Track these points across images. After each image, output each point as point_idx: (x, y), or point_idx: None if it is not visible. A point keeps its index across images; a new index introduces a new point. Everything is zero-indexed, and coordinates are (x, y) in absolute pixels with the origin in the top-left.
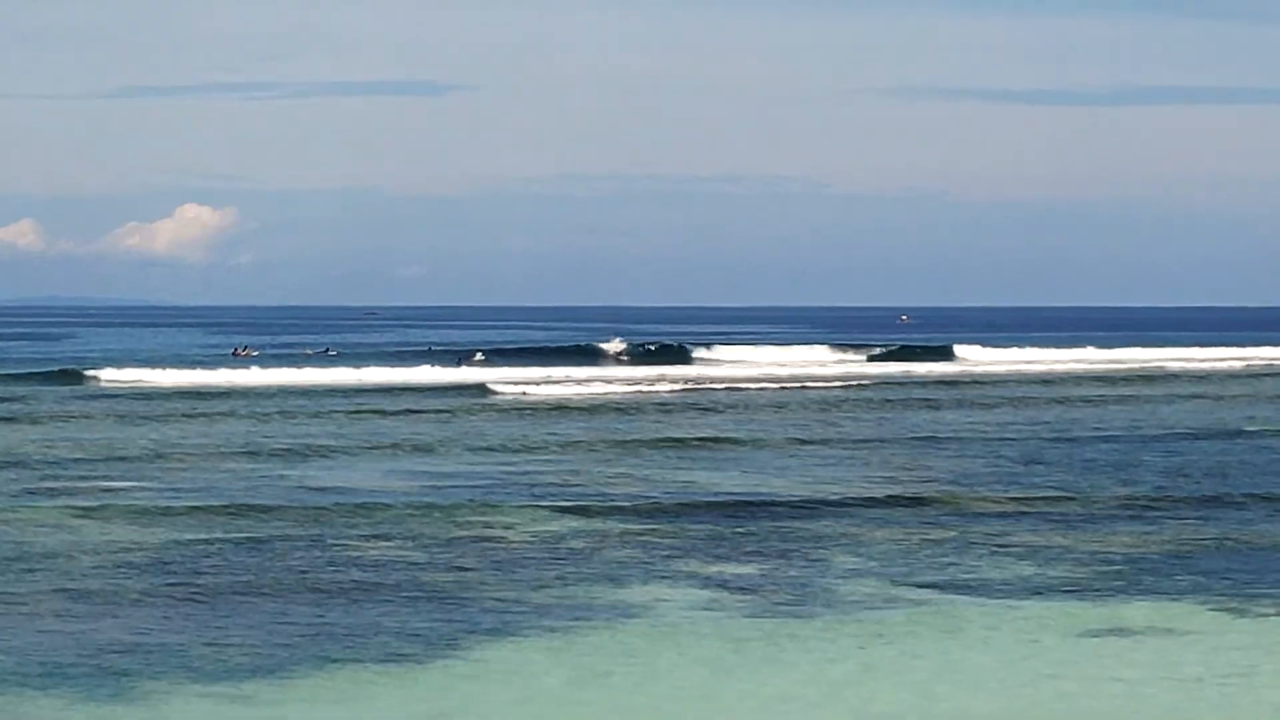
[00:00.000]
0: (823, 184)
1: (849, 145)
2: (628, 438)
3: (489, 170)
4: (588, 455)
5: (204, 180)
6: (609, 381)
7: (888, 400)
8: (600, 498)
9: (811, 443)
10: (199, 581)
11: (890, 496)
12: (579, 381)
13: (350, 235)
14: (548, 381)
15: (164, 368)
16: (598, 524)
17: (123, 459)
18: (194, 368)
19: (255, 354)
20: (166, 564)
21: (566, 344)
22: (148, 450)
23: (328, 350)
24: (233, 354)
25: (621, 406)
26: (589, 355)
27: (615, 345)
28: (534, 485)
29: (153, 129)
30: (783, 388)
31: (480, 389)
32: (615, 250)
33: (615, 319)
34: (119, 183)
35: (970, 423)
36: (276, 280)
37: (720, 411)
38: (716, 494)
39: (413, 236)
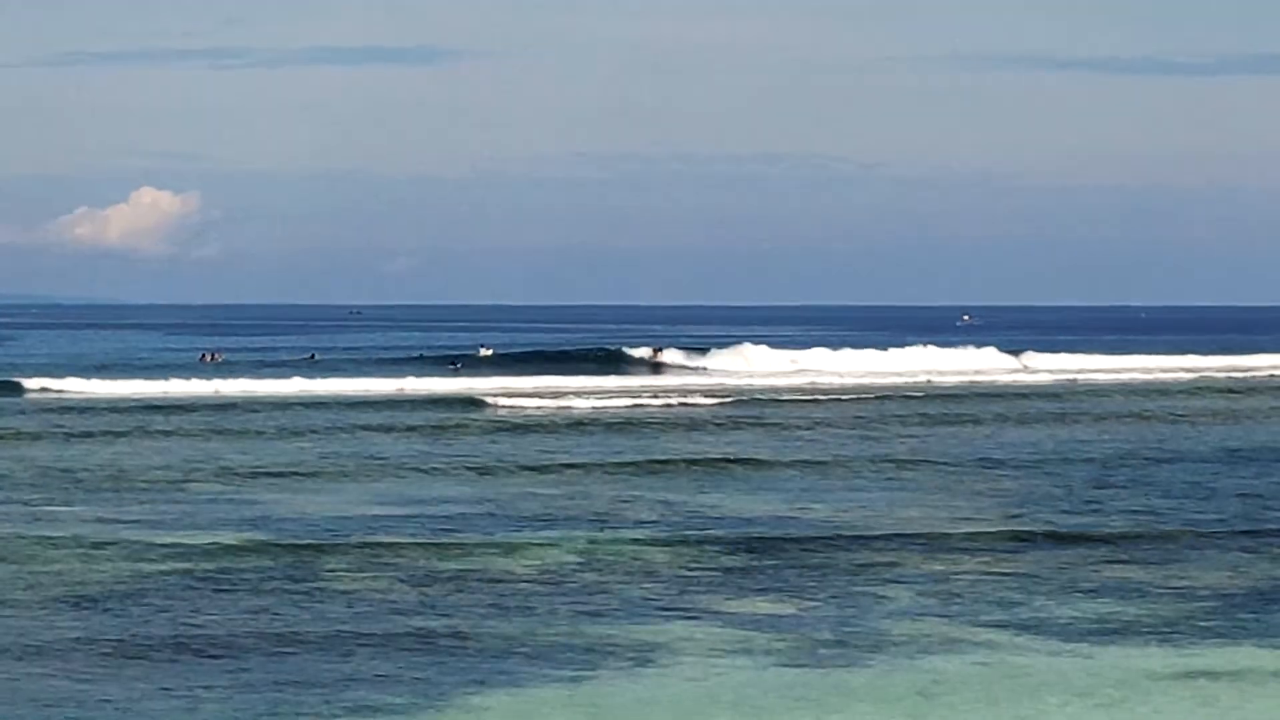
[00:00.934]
0: (874, 165)
1: (905, 121)
2: (641, 457)
3: (490, 150)
4: (595, 477)
5: (163, 161)
6: (614, 394)
7: (938, 414)
8: (612, 525)
9: (850, 462)
10: (152, 629)
11: (944, 523)
12: (579, 393)
13: (331, 224)
14: (546, 393)
15: (118, 377)
16: (609, 555)
17: (67, 484)
18: (154, 376)
19: (223, 359)
20: (114, 606)
21: (572, 348)
22: (95, 474)
23: (312, 356)
24: (200, 359)
25: (630, 421)
26: (602, 362)
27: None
28: (537, 512)
29: (103, 102)
30: (812, 400)
31: (475, 402)
32: (634, 242)
33: (634, 320)
34: (65, 164)
35: (1034, 440)
36: (247, 275)
37: (742, 428)
38: (745, 520)
39: (402, 226)
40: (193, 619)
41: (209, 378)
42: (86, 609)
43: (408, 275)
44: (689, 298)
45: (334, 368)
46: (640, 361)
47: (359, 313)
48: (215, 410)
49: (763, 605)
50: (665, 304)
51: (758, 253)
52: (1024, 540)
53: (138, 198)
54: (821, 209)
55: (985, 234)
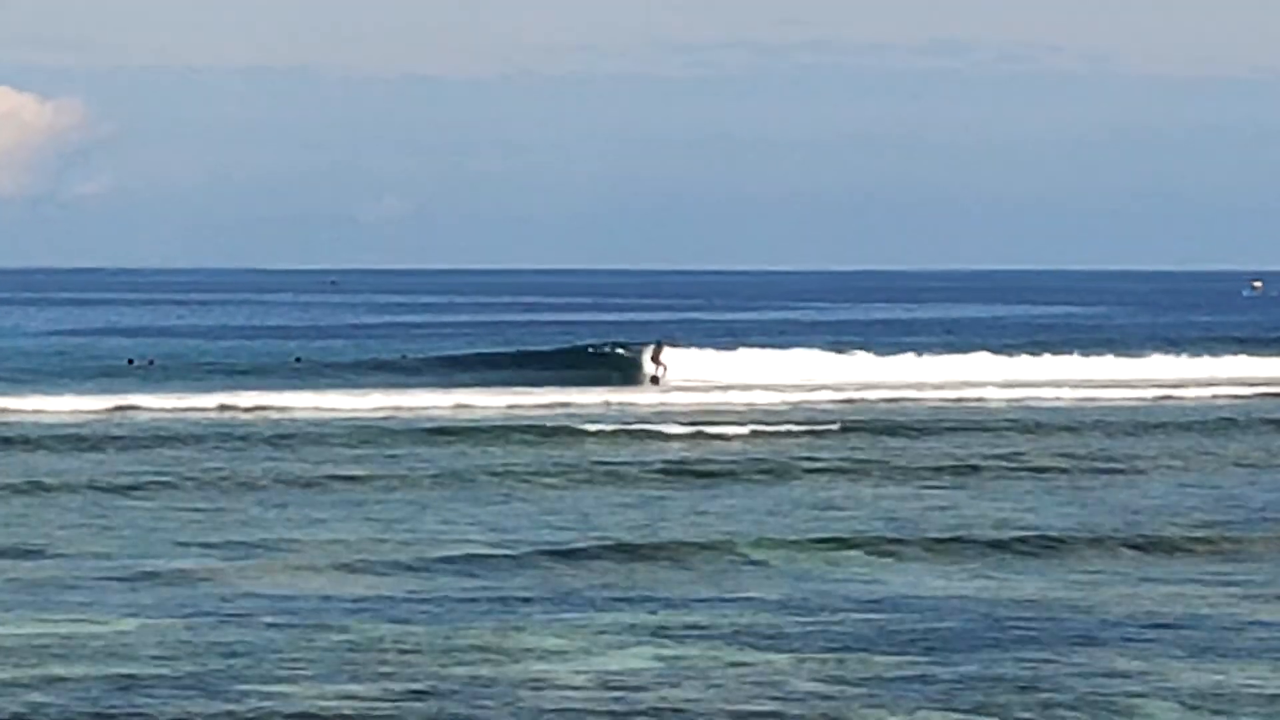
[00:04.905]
0: (1107, 59)
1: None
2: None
3: (511, 39)
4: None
5: (26, 51)
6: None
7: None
8: (699, 610)
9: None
10: None
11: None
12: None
13: (282, 148)
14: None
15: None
16: (701, 654)
17: None
18: (28, 388)
19: (152, 363)
20: None
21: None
22: None
23: (297, 359)
24: (129, 363)
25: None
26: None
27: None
28: (587, 587)
29: None
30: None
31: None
32: (737, 175)
33: (715, 294)
34: None
35: None
36: (152, 223)
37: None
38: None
39: (386, 148)
40: None
41: (125, 393)
42: None
43: (392, 222)
44: (824, 259)
45: (321, 372)
46: (629, 366)
47: (337, 284)
48: (126, 446)
49: None
50: (792, 266)
51: (929, 190)
52: None
53: None
54: (1030, 124)
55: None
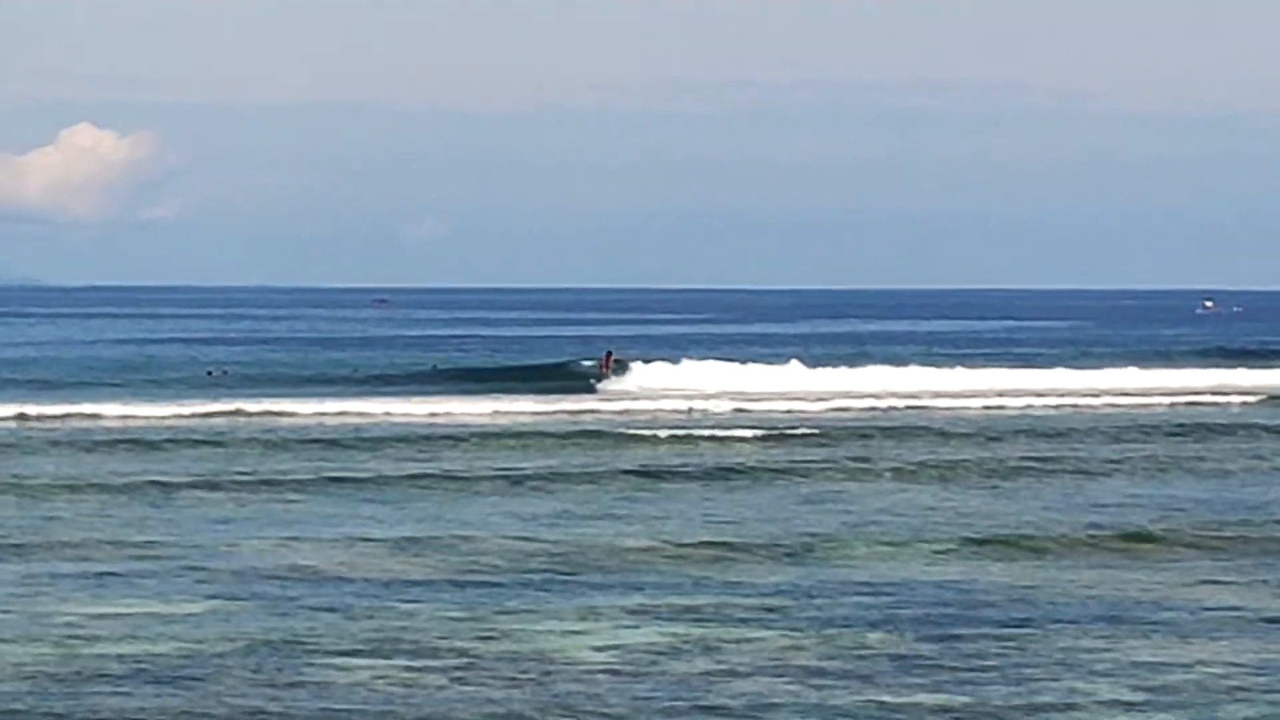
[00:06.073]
0: (1076, 98)
1: (1118, 40)
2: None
3: (545, 77)
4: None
5: (104, 89)
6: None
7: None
8: (716, 592)
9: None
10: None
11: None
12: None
13: (333, 176)
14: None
15: (50, 398)
16: (716, 634)
17: None
18: (127, 393)
19: (226, 372)
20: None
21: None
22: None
23: (354, 371)
24: (208, 374)
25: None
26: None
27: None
28: (612, 573)
29: (20, 6)
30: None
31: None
32: (739, 200)
33: (739, 307)
34: None
35: None
36: (216, 244)
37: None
38: (892, 588)
39: (428, 177)
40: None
41: (210, 400)
42: (25, 700)
43: (432, 245)
44: (823, 278)
45: (377, 384)
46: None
47: (385, 302)
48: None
49: (930, 699)
50: (793, 286)
51: (912, 214)
52: None
53: (69, 138)
54: (1003, 155)
55: (1231, 192)
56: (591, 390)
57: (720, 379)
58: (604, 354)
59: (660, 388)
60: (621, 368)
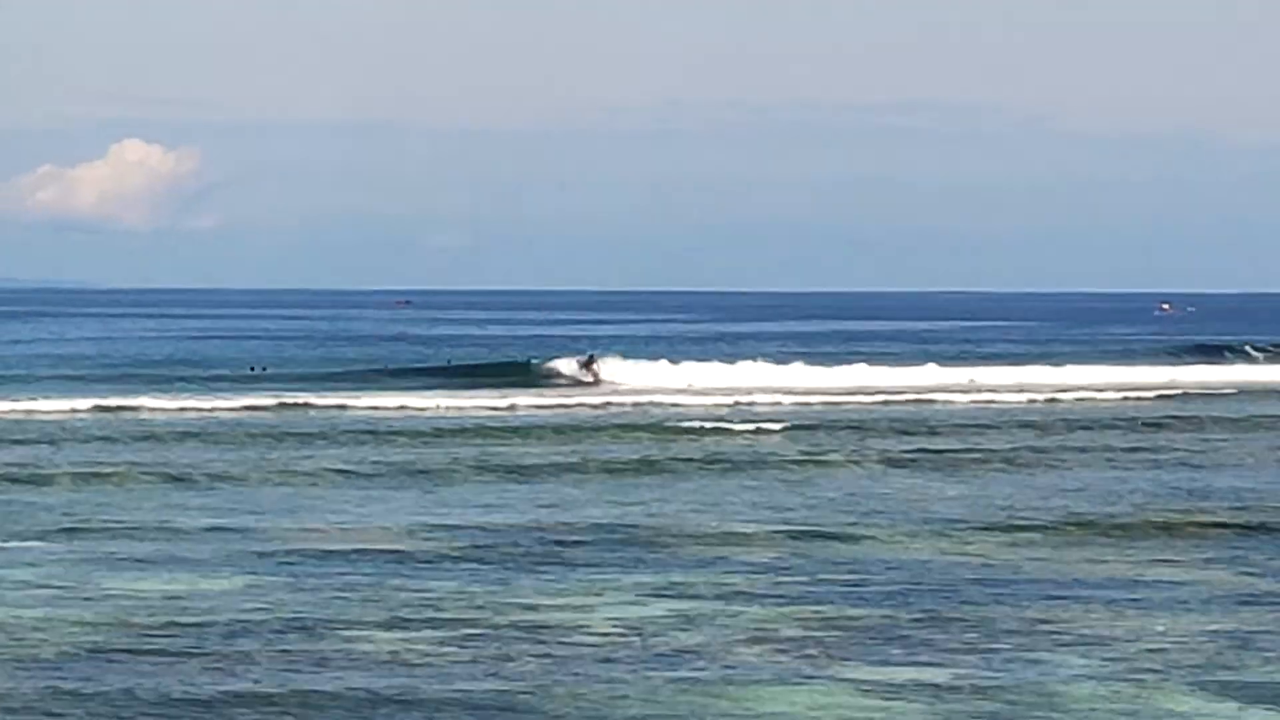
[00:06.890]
0: (1041, 117)
1: (1081, 64)
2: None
3: (560, 97)
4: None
5: (151, 108)
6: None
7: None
8: (711, 570)
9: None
10: (139, 691)
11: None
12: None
13: (361, 188)
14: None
15: (82, 392)
16: (709, 607)
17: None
18: (175, 389)
19: (265, 370)
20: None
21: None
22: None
23: (385, 368)
24: (250, 370)
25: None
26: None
27: None
28: (614, 546)
29: (74, 33)
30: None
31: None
32: (737, 210)
33: (726, 308)
34: (25, 112)
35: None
36: (254, 251)
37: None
38: (877, 566)
39: (450, 190)
40: (188, 679)
41: (245, 394)
42: (53, 668)
43: (453, 253)
44: (808, 281)
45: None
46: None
47: (410, 303)
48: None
49: (904, 672)
50: (781, 289)
51: (891, 226)
52: None
53: (119, 153)
54: (974, 171)
55: (1186, 202)
56: (576, 385)
57: (708, 377)
58: (586, 356)
59: (640, 386)
60: (590, 367)
